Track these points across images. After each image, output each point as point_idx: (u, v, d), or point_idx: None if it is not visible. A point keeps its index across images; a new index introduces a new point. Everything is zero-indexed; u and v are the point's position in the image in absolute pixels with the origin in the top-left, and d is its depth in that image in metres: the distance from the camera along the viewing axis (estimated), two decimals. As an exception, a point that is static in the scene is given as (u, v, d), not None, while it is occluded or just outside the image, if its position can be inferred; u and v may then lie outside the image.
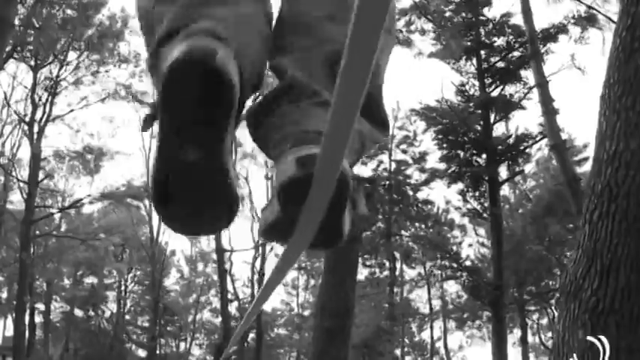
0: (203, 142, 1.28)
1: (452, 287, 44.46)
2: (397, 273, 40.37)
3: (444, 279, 36.46)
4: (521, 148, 26.33)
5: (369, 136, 1.67)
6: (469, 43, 26.30)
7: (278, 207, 1.39)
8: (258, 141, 1.64)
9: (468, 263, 31.07)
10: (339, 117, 1.00)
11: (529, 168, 35.47)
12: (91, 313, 52.90)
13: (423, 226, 36.53)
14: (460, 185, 27.47)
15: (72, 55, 33.15)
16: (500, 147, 26.18)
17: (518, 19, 25.13)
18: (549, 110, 20.28)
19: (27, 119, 32.72)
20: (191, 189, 1.32)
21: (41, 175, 34.24)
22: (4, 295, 44.01)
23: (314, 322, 13.30)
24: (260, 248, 41.17)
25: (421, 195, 36.04)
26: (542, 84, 20.88)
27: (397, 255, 38.02)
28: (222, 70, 1.24)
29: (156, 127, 1.36)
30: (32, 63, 32.23)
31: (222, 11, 1.47)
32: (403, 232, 36.33)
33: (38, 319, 47.23)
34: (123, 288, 54.46)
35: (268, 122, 1.57)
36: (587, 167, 28.93)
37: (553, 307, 41.38)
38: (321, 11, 1.70)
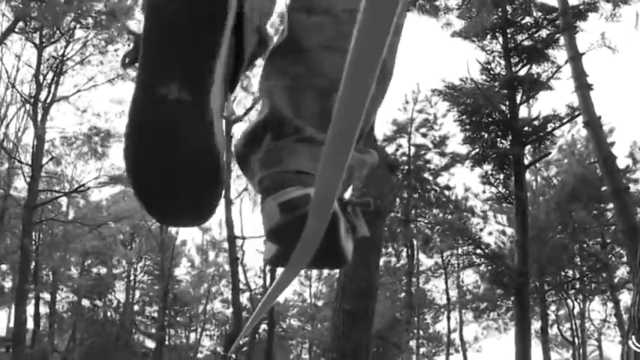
0: (188, 75, 1.23)
1: (469, 277, 44.16)
2: (414, 262, 39.56)
3: (464, 267, 35.58)
4: (549, 129, 25.14)
5: (358, 166, 1.62)
6: (496, 20, 25.21)
7: (272, 245, 1.45)
8: (245, 174, 1.62)
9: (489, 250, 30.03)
10: (333, 155, 1.00)
11: (552, 154, 34.45)
12: (98, 302, 52.27)
13: (442, 212, 35.43)
14: (484, 168, 26.39)
15: (79, 33, 32.08)
16: (526, 128, 25.05)
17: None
18: (583, 85, 19.23)
19: (31, 100, 31.58)
20: (169, 143, 1.23)
21: (46, 159, 33.19)
22: (9, 284, 43.25)
23: (334, 305, 12.48)
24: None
25: (441, 180, 35.14)
26: (576, 57, 19.86)
27: (415, 243, 37.24)
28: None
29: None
30: (37, 41, 31.07)
31: None
32: (422, 218, 35.45)
33: (44, 309, 46.83)
34: (132, 278, 53.95)
35: (253, 159, 1.54)
36: (614, 150, 27.96)
37: (573, 298, 40.75)
38: (318, 40, 1.60)
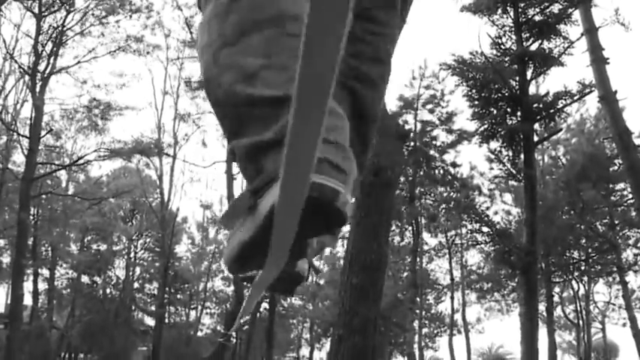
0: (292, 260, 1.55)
1: (473, 258, 44.03)
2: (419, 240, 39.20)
3: (471, 245, 35.05)
4: (559, 106, 24.60)
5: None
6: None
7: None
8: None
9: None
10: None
11: (560, 133, 34.04)
12: (97, 279, 52.10)
13: (447, 190, 34.99)
14: (493, 145, 25.89)
15: (79, 3, 31.50)
16: (536, 105, 24.51)
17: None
18: (598, 58, 18.84)
19: (30, 71, 31.02)
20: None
21: (45, 132, 32.66)
22: (7, 259, 42.86)
23: (340, 278, 11.99)
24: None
25: (447, 158, 34.72)
26: (591, 30, 19.45)
27: (420, 221, 36.84)
28: (343, 211, 1.32)
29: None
30: (36, 10, 30.43)
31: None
32: (427, 196, 35.05)
33: (42, 285, 46.65)
34: (132, 254, 53.72)
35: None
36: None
37: (577, 280, 40.42)
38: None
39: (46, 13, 30.70)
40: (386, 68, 2.02)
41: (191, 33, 35.03)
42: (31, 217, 38.33)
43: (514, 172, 25.68)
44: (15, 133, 32.65)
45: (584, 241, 35.85)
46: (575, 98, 24.55)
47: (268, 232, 1.28)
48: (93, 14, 31.88)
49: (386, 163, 11.02)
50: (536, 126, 25.55)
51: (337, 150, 1.39)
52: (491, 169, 28.50)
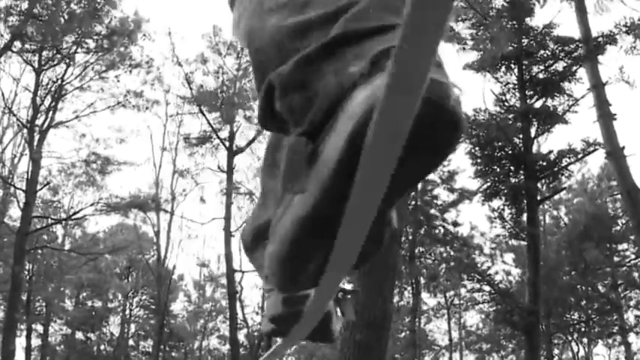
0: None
1: (472, 319, 43.72)
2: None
3: (470, 305, 34.77)
4: (564, 164, 24.46)
5: None
6: (510, 52, 24.63)
7: (271, 325, 1.60)
8: (253, 263, 1.67)
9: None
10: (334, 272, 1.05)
11: (562, 194, 33.99)
12: (92, 335, 51.72)
13: (447, 250, 34.75)
14: (495, 203, 25.74)
15: (79, 57, 31.49)
16: (540, 162, 24.37)
17: (562, 30, 23.58)
18: (605, 114, 18.68)
19: (28, 125, 30.90)
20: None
21: (41, 186, 32.47)
22: (0, 315, 42.47)
23: (343, 334, 11.57)
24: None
25: (448, 217, 34.50)
26: (598, 86, 19.32)
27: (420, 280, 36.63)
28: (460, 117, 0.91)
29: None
30: (36, 65, 30.38)
31: None
32: (427, 255, 34.81)
33: (36, 341, 46.28)
34: (127, 311, 53.34)
35: (259, 253, 1.57)
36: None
37: (577, 341, 40.04)
38: None
39: (45, 67, 30.62)
40: None
41: (191, 89, 34.95)
42: (26, 272, 38.11)
43: (517, 230, 25.49)
44: (12, 187, 32.39)
45: (584, 302, 35.57)
46: (580, 156, 24.46)
47: (342, 190, 0.86)
48: (93, 69, 31.83)
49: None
50: (539, 184, 25.46)
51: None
52: (495, 227, 28.43)
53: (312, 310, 1.39)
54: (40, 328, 46.48)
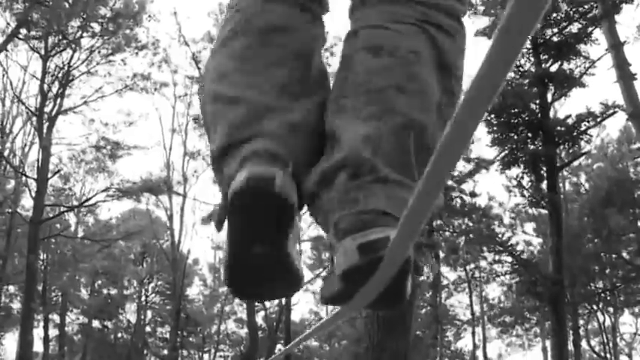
0: (269, 241, 1.45)
1: (494, 292, 43.38)
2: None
3: (494, 276, 34.26)
4: (583, 128, 23.85)
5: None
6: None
7: (339, 284, 1.47)
8: (314, 214, 1.65)
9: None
10: (424, 198, 1.00)
11: (581, 160, 33.45)
12: (108, 323, 51.89)
13: (464, 221, 34.25)
14: (514, 171, 25.18)
15: (85, 42, 31.26)
16: (558, 128, 23.77)
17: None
18: (626, 74, 18.12)
19: (37, 113, 30.70)
20: (259, 275, 1.49)
21: (52, 174, 32.29)
22: (17, 306, 42.41)
23: (366, 312, 11.29)
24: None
25: (466, 187, 33.99)
26: (617, 45, 18.80)
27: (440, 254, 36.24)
28: (281, 195, 1.41)
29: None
30: (42, 52, 30.17)
31: (272, 124, 1.61)
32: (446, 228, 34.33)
33: (53, 331, 46.37)
34: (143, 298, 53.32)
35: (325, 197, 1.57)
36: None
37: (603, 311, 39.59)
38: (389, 81, 1.65)
39: (52, 53, 30.39)
40: (454, 22, 1.82)
41: (199, 69, 34.48)
42: (41, 262, 38.05)
43: (537, 198, 24.92)
44: (23, 176, 32.16)
45: (609, 270, 35.08)
46: (599, 120, 23.83)
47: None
48: (99, 53, 31.60)
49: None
50: (558, 150, 24.93)
51: None
52: (514, 195, 27.95)
53: (392, 255, 1.26)
54: (56, 318, 46.85)
